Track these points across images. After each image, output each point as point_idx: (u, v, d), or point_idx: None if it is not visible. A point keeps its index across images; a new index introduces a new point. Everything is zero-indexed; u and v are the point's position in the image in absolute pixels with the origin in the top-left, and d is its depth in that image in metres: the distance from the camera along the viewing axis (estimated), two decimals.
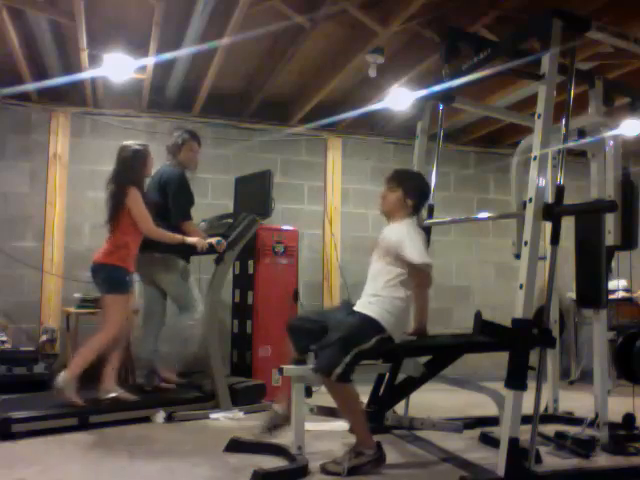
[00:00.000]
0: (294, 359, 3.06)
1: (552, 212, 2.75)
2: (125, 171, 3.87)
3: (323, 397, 3.09)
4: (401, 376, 3.35)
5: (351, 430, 3.01)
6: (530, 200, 2.75)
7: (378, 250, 3.17)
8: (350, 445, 2.93)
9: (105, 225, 3.89)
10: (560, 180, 2.83)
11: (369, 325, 2.95)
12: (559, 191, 2.79)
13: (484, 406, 3.53)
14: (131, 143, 4.00)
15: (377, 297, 3.04)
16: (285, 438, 3.05)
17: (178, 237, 3.98)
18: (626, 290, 5.84)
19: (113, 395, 3.80)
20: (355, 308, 3.08)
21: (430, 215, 3.82)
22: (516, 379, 2.61)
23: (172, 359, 4.36)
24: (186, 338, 4.16)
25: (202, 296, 4.47)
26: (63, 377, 3.61)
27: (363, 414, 3.00)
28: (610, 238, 3.35)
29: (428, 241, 3.90)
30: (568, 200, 2.81)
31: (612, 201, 3.22)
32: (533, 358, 2.68)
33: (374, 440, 2.90)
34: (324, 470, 2.80)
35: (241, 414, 4.02)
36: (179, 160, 4.32)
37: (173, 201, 4.12)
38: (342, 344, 2.82)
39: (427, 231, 3.88)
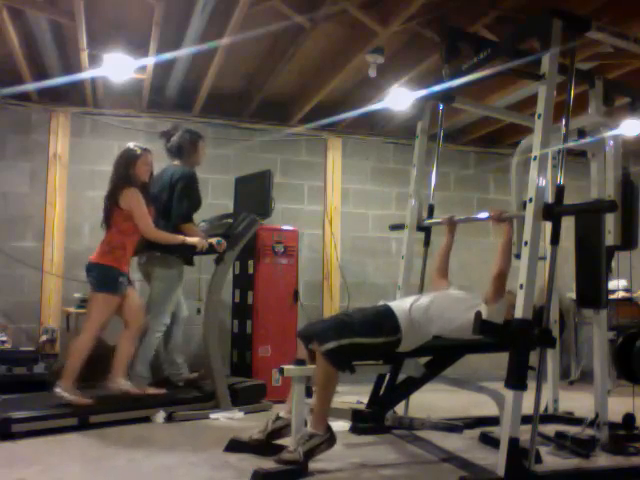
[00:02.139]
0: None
1: (552, 212, 2.76)
2: (115, 172, 3.89)
3: None
4: (401, 376, 3.36)
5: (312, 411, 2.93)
6: (530, 200, 2.76)
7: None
8: (305, 433, 2.84)
9: (102, 226, 3.89)
10: (560, 180, 2.83)
11: (386, 320, 2.98)
12: (559, 191, 2.79)
13: (484, 406, 3.53)
14: (130, 144, 3.99)
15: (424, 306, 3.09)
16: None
17: (179, 237, 3.98)
18: (626, 290, 5.84)
19: (123, 388, 3.76)
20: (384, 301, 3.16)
21: (430, 215, 3.84)
22: (516, 379, 2.61)
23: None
24: (148, 343, 4.05)
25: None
26: (61, 386, 3.62)
27: (330, 401, 2.92)
28: (610, 238, 3.35)
29: (428, 242, 3.92)
30: (568, 200, 2.81)
31: (612, 201, 3.22)
32: (533, 358, 2.68)
33: (327, 423, 2.87)
34: (280, 461, 2.74)
35: (241, 414, 4.02)
36: (192, 160, 4.30)
37: (178, 201, 4.09)
38: (347, 327, 2.87)
39: (427, 231, 3.91)
